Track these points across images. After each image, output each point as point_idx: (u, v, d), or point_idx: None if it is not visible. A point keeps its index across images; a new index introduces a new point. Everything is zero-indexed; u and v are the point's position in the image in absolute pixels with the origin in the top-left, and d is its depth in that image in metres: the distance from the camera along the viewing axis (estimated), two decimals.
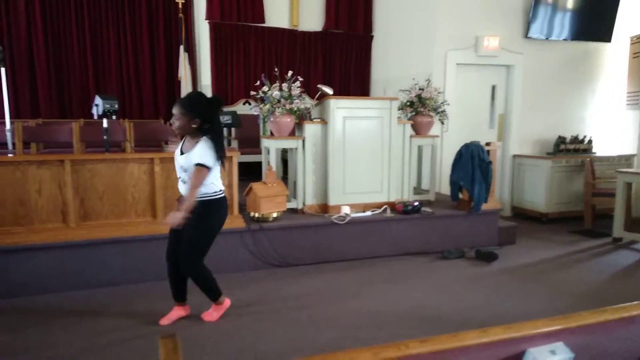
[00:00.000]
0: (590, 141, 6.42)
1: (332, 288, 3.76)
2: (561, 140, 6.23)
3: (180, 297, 3.15)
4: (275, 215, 4.28)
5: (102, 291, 3.60)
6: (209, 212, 2.95)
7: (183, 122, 2.85)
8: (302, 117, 4.66)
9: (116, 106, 4.19)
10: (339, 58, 7.31)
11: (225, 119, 4.96)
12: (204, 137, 2.87)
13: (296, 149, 4.64)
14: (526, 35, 6.09)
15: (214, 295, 3.14)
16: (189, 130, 2.89)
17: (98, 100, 4.22)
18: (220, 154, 2.90)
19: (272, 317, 3.19)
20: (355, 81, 7.38)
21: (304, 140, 4.62)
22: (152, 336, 2.87)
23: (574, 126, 6.59)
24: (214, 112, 2.92)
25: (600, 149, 6.57)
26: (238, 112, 6.28)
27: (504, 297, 3.58)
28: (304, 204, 4.69)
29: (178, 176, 3.00)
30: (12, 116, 4.86)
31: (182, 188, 2.98)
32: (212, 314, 3.16)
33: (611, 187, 5.33)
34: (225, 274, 3.96)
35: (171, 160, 3.89)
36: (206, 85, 6.98)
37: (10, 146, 4.45)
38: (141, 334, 2.91)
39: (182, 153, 2.93)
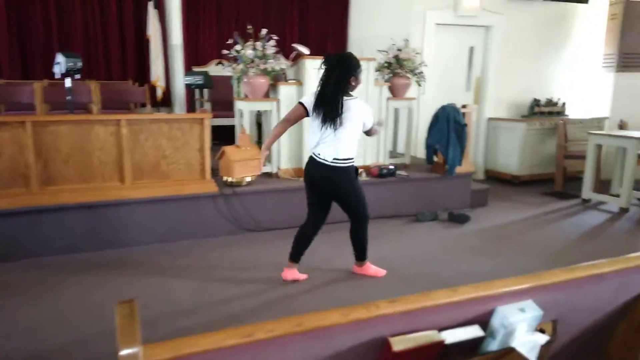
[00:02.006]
0: (564, 104, 6.47)
1: (307, 251, 3.75)
2: (536, 102, 6.26)
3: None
4: (249, 179, 4.21)
5: (69, 257, 3.51)
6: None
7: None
8: (277, 78, 4.53)
9: (79, 64, 3.97)
10: (315, 17, 7.08)
11: (196, 79, 4.79)
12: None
13: (271, 111, 4.53)
14: None
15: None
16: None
17: (60, 57, 3.99)
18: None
19: (242, 280, 3.18)
20: (332, 41, 7.19)
21: (278, 102, 4.50)
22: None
23: (549, 89, 6.62)
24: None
25: (574, 112, 6.64)
26: (211, 73, 6.08)
27: (476, 257, 3.65)
28: (278, 168, 4.63)
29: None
30: None
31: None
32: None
33: (583, 150, 5.41)
34: (199, 239, 3.93)
35: (139, 122, 3.77)
36: (176, 44, 6.69)
37: None
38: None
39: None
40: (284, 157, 4.63)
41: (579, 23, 6.60)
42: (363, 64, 4.57)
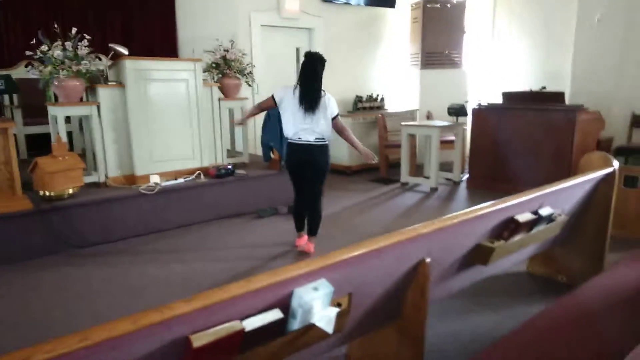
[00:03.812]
0: (382, 99, 7.22)
1: (141, 261, 3.61)
2: (358, 99, 6.87)
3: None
4: (70, 191, 3.86)
5: None
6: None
7: None
8: (93, 80, 4.21)
9: None
10: (140, 16, 6.72)
11: None
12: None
13: (90, 116, 4.20)
14: None
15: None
16: None
17: None
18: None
19: (71, 301, 2.93)
20: (161, 41, 6.90)
21: (98, 106, 4.20)
22: None
23: (369, 85, 7.32)
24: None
25: (392, 106, 7.45)
26: (20, 77, 5.39)
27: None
28: (106, 176, 4.33)
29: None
30: None
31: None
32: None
33: (400, 140, 6.12)
34: (14, 264, 3.48)
35: None
36: None
37: None
38: None
39: None
40: (113, 164, 4.34)
41: (388, 25, 7.42)
42: (190, 64, 4.60)
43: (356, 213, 4.85)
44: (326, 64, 3.50)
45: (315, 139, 3.48)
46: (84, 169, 4.07)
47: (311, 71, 3.43)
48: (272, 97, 3.59)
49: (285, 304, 1.38)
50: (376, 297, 1.73)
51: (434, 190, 5.69)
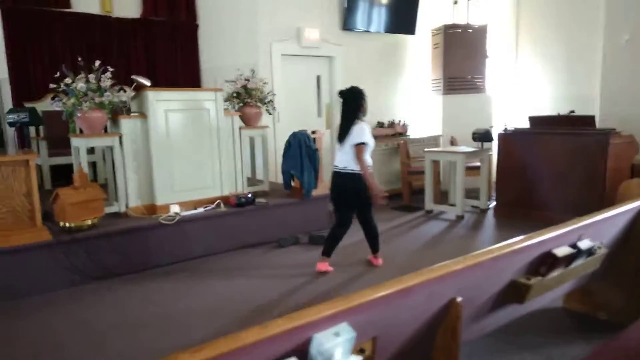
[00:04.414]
0: (404, 124, 7.13)
1: (162, 291, 3.54)
2: (380, 125, 6.80)
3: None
4: (90, 222, 3.84)
5: None
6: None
7: None
8: (116, 112, 4.25)
9: None
10: (163, 48, 6.85)
11: (20, 117, 4.26)
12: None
13: (113, 147, 4.22)
14: (343, 27, 6.47)
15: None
16: None
17: None
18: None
19: (96, 337, 2.85)
20: (184, 72, 7.01)
21: (121, 137, 4.22)
22: None
23: (391, 111, 7.24)
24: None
25: (414, 132, 7.34)
26: (46, 109, 5.53)
27: (332, 277, 3.77)
28: (127, 207, 4.31)
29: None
30: None
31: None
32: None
33: (423, 166, 5.98)
34: (36, 295, 3.46)
35: None
36: (3, 78, 5.95)
37: None
38: None
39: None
40: (133, 194, 4.34)
41: (409, 52, 7.38)
42: (211, 94, 4.62)
43: (380, 242, 4.69)
44: (361, 92, 3.78)
45: (343, 167, 3.74)
46: (105, 199, 4.07)
47: (342, 105, 3.80)
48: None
49: (303, 351, 1.26)
50: (403, 340, 1.60)
51: (460, 218, 5.51)
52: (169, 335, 2.83)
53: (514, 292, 1.90)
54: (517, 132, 5.49)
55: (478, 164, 5.97)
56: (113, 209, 4.29)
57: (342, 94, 3.79)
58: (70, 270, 3.69)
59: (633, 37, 5.76)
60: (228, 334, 1.11)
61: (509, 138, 5.47)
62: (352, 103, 3.73)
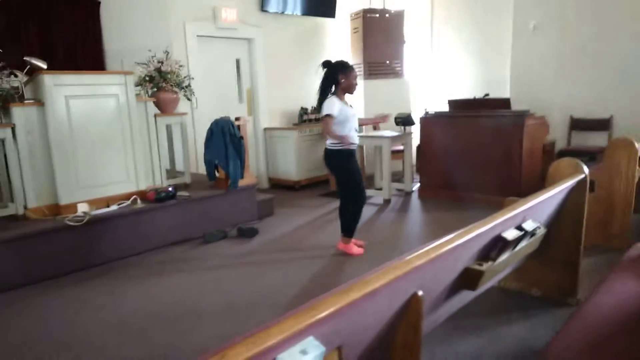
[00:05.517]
0: None
1: (77, 301, 3.12)
2: (304, 111, 6.64)
3: None
4: None
5: None
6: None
7: None
8: (7, 99, 3.67)
9: None
10: (60, 28, 6.09)
11: None
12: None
13: (4, 139, 3.64)
14: (262, 8, 6.17)
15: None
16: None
17: None
18: None
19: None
20: (85, 54, 6.29)
21: (13, 128, 3.65)
22: None
23: (313, 97, 7.09)
24: None
25: None
26: None
27: (265, 272, 3.57)
28: (25, 208, 3.76)
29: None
30: None
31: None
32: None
33: None
34: None
35: None
36: None
37: None
38: None
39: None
40: (31, 193, 3.79)
41: (329, 35, 7.26)
42: (119, 77, 4.14)
43: (311, 232, 4.58)
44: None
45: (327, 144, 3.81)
46: None
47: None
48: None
49: None
50: (367, 344, 1.46)
51: (387, 202, 5.54)
52: (87, 353, 2.48)
53: (468, 279, 1.85)
54: (438, 116, 5.61)
55: (401, 147, 6.04)
56: (8, 211, 3.73)
57: (323, 65, 3.74)
58: None
59: (539, 25, 6.11)
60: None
61: (430, 121, 5.58)
62: (328, 77, 3.69)
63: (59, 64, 5.57)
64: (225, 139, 4.60)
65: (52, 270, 3.58)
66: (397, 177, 6.30)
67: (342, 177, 3.80)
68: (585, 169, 2.56)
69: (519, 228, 2.03)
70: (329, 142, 3.74)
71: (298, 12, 6.56)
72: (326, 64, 3.73)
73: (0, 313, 3.01)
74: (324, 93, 3.70)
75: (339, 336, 1.29)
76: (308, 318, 1.13)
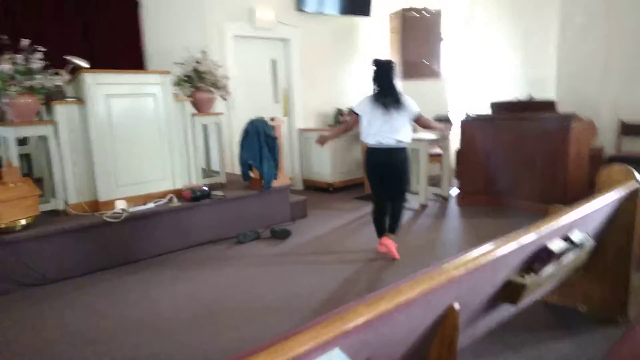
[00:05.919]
0: None
1: (112, 297, 3.17)
2: (339, 112, 6.57)
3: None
4: (24, 222, 3.40)
5: None
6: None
7: None
8: (50, 98, 3.78)
9: None
10: (103, 28, 6.27)
11: None
12: None
13: (47, 137, 3.75)
14: (298, 8, 6.15)
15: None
16: None
17: None
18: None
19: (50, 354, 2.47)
20: (127, 54, 6.44)
21: (56, 126, 3.76)
22: None
23: (349, 97, 7.02)
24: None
25: None
26: None
27: (297, 274, 3.52)
28: (66, 204, 3.87)
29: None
30: None
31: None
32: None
33: None
34: None
35: None
36: None
37: None
38: None
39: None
40: (72, 189, 3.89)
41: (364, 35, 7.15)
42: (158, 77, 4.20)
43: (345, 235, 4.50)
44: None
45: (397, 141, 3.56)
46: (41, 196, 3.62)
47: (386, 76, 3.58)
48: (353, 111, 3.73)
49: None
50: (398, 357, 1.38)
51: (423, 207, 5.40)
52: (120, 350, 2.50)
53: (509, 293, 1.73)
54: (480, 119, 5.42)
55: (439, 151, 5.88)
56: (50, 206, 3.84)
57: (381, 63, 3.61)
58: None
59: (587, 20, 5.80)
60: None
61: (472, 125, 5.39)
62: (393, 72, 3.59)
63: (100, 64, 5.73)
64: (260, 140, 4.59)
65: (88, 265, 3.66)
66: (434, 181, 6.13)
67: (408, 172, 3.78)
68: (639, 177, 2.37)
69: (566, 239, 1.89)
70: (408, 141, 3.64)
71: (335, 11, 6.50)
72: (385, 62, 3.66)
73: (43, 305, 3.09)
74: (395, 87, 3.62)
75: (368, 349, 1.22)
76: (335, 328, 1.07)
